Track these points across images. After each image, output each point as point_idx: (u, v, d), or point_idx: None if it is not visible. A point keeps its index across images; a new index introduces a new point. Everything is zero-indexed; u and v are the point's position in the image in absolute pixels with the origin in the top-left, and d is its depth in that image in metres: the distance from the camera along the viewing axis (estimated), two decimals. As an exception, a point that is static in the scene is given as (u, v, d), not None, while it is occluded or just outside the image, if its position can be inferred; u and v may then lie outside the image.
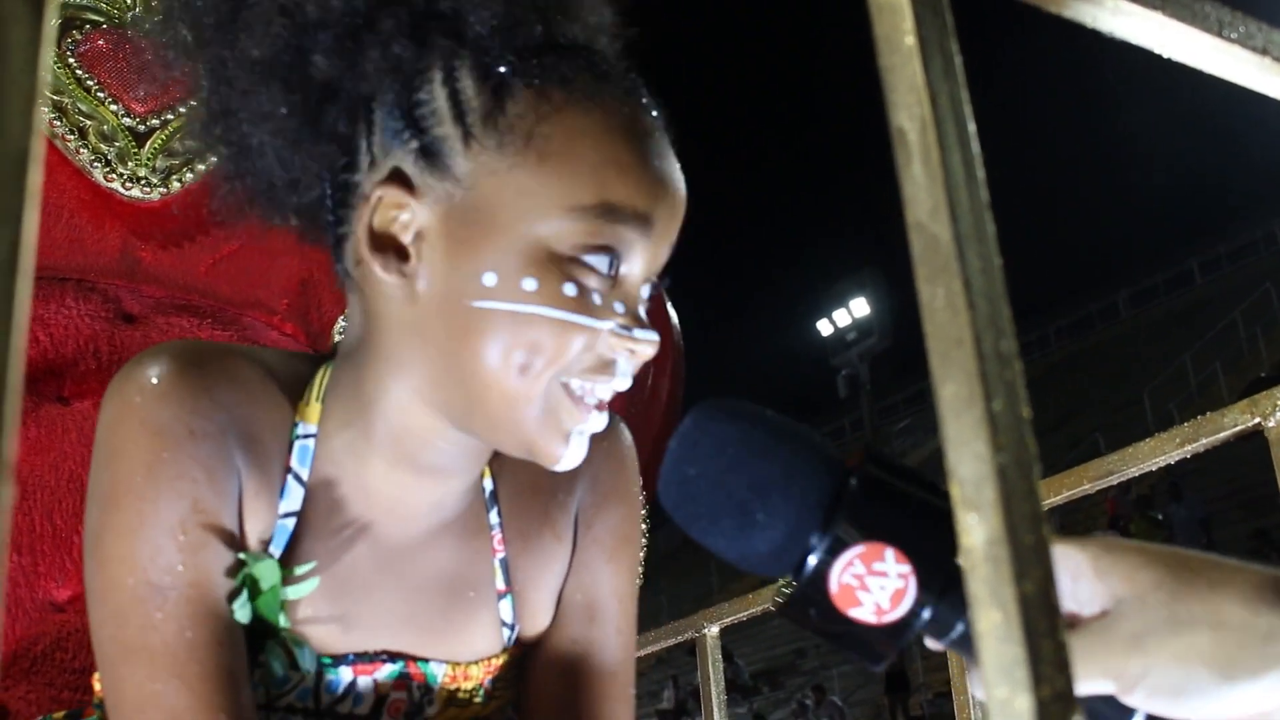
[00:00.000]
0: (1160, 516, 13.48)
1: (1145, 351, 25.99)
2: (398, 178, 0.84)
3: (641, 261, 0.84)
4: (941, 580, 0.61)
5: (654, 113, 0.87)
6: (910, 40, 0.33)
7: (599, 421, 0.85)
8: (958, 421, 0.30)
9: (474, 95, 0.82)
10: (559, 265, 0.80)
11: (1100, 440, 19.26)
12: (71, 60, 1.36)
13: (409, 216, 0.83)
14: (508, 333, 0.80)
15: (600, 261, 0.81)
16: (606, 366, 0.83)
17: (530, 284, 0.80)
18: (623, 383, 0.84)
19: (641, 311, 0.85)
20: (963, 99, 0.33)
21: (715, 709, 1.80)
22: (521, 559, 0.99)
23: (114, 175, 1.31)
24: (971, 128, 0.33)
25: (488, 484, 0.99)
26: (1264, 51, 0.43)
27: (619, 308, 0.82)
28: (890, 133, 0.34)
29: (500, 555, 0.98)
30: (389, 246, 0.84)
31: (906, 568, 0.61)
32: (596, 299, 0.81)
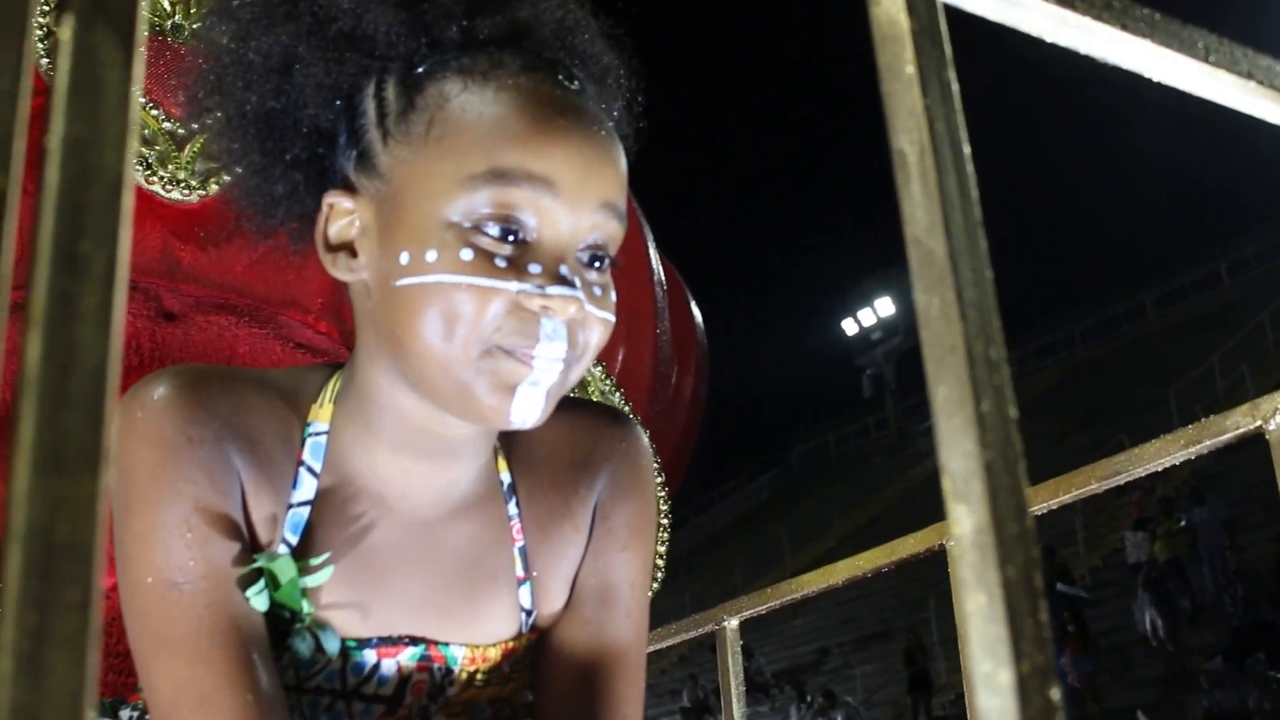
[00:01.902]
0: (1183, 521, 13.38)
1: (1172, 353, 25.78)
2: (343, 184, 0.91)
3: (558, 224, 0.86)
4: None
5: (571, 83, 0.89)
6: (910, 69, 0.36)
7: (551, 372, 0.87)
8: (949, 422, 0.33)
9: (394, 99, 0.88)
10: (459, 234, 0.84)
11: (1125, 442, 19.05)
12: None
13: (354, 218, 0.91)
14: (422, 304, 0.84)
15: (499, 226, 0.85)
16: (530, 329, 0.85)
17: (432, 255, 0.84)
18: (557, 347, 0.86)
19: (566, 272, 0.86)
20: (958, 124, 0.36)
21: (735, 702, 1.82)
22: (540, 547, 1.04)
23: (155, 178, 1.35)
24: (966, 150, 0.36)
25: (505, 477, 1.04)
26: (1248, 76, 0.45)
27: (534, 269, 0.85)
28: (891, 155, 0.36)
29: (519, 544, 1.03)
30: (341, 248, 0.91)
31: None
32: (500, 262, 0.84)
